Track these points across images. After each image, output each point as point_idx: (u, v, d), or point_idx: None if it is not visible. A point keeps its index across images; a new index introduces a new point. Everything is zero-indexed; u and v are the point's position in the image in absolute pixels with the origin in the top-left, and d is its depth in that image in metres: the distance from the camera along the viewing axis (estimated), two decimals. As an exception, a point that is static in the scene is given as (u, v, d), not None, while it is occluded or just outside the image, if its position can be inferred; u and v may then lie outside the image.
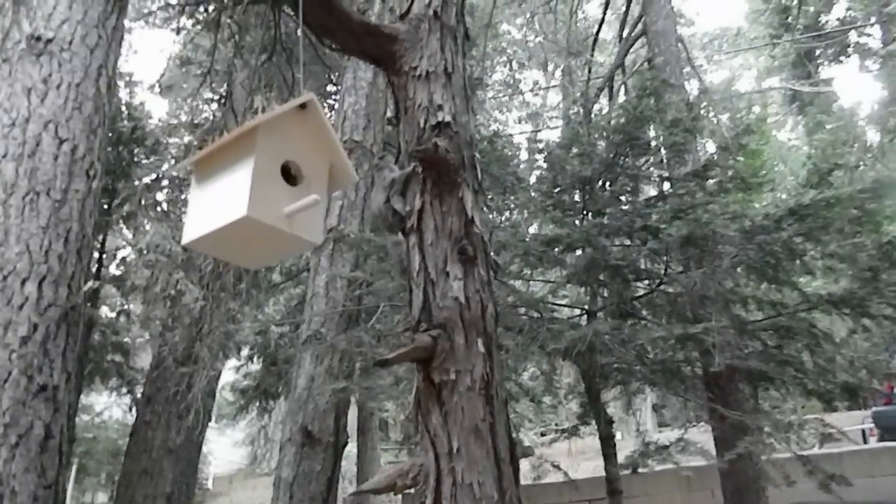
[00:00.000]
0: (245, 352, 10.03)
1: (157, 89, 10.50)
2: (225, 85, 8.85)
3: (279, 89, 7.74)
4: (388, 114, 7.41)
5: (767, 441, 4.58)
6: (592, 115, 7.15)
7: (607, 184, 5.26)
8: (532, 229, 6.87)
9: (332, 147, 1.89)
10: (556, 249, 4.92)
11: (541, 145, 6.28)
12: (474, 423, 1.86)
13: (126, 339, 10.40)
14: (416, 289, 2.07)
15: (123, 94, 10.58)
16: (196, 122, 10.39)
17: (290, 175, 1.81)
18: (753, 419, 4.53)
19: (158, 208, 9.26)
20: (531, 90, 16.40)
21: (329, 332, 5.53)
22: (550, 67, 16.30)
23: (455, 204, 2.11)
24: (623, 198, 5.37)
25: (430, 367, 1.91)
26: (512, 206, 6.15)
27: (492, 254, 2.17)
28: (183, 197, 8.37)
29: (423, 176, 2.13)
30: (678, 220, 4.66)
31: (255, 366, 10.68)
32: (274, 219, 1.72)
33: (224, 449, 18.96)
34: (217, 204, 1.75)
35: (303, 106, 1.84)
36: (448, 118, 2.16)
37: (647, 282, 5.17)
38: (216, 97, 10.01)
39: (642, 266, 5.05)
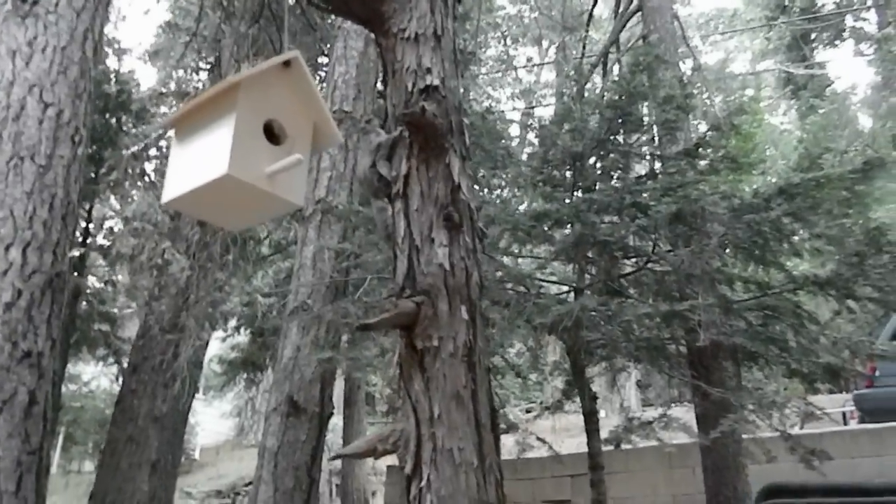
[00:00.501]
0: (232, 323, 10.02)
1: (144, 56, 10.35)
2: (213, 52, 8.72)
3: (268, 57, 7.62)
4: (379, 85, 7.34)
5: (750, 419, 4.61)
6: (586, 92, 7.09)
7: (598, 160, 5.24)
8: (522, 206, 6.85)
9: (317, 107, 1.86)
10: (545, 225, 4.91)
11: (533, 121, 6.23)
12: (456, 390, 1.85)
13: (113, 309, 10.35)
14: (401, 255, 2.04)
15: (111, 60, 10.42)
16: (184, 89, 10.25)
17: (272, 134, 1.78)
18: (737, 397, 4.56)
19: (145, 177, 9.17)
20: (525, 66, 16.32)
21: (316, 303, 5.52)
22: (545, 44, 16.18)
23: (442, 170, 2.08)
24: (614, 174, 5.35)
25: (412, 333, 1.89)
26: (502, 181, 6.13)
27: (478, 222, 2.15)
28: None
29: (410, 140, 2.10)
30: (667, 198, 4.65)
31: (243, 337, 10.67)
32: (255, 178, 1.69)
33: (211, 420, 19.01)
34: (197, 162, 1.72)
35: (286, 64, 1.80)
36: (436, 82, 2.13)
37: (634, 259, 5.18)
38: (205, 65, 9.88)
39: (630, 243, 5.05)
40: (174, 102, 10.12)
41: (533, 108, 15.49)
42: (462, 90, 2.34)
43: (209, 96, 1.73)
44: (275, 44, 7.41)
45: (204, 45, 8.72)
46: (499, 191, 6.29)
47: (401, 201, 2.10)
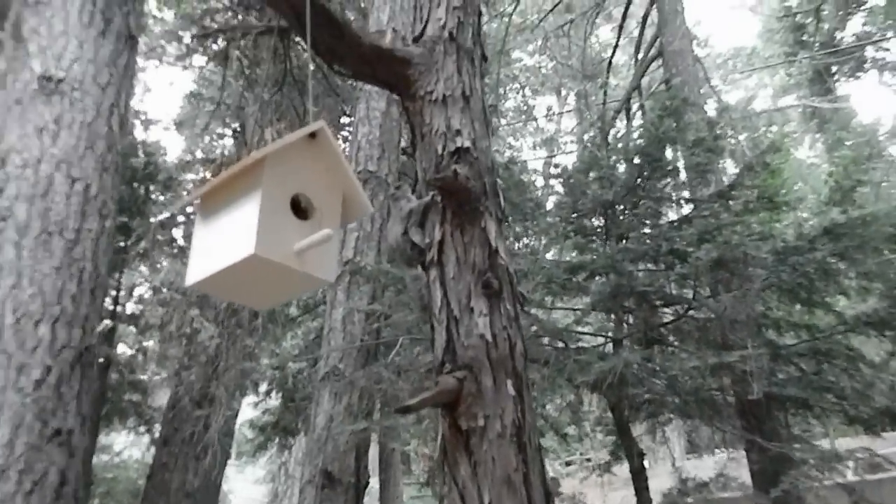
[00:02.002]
0: (263, 387, 9.92)
1: (170, 126, 10.57)
2: (237, 119, 8.86)
3: (291, 122, 7.72)
4: (403, 143, 7.36)
5: (812, 473, 4.37)
6: (610, 139, 7.04)
7: (630, 207, 5.14)
8: (550, 255, 6.75)
9: (345, 177, 1.78)
10: (580, 276, 4.81)
11: (558, 170, 6.18)
12: (506, 474, 1.71)
13: (143, 377, 10.33)
14: (439, 326, 1.94)
15: (138, 132, 10.65)
16: (209, 157, 10.41)
17: (300, 209, 1.69)
18: (798, 450, 4.33)
19: (173, 245, 9.24)
20: (545, 116, 16.39)
21: (347, 367, 5.40)
22: (564, 92, 16.28)
23: (477, 234, 2.00)
24: (646, 221, 5.25)
25: (456, 412, 1.76)
26: (531, 232, 6.05)
27: (518, 286, 2.04)
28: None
29: (443, 205, 2.03)
30: (706, 243, 4.53)
31: (274, 401, 10.55)
32: (284, 256, 1.60)
33: (244, 486, 18.74)
34: (222, 241, 1.64)
35: (313, 135, 1.73)
36: (467, 143, 2.06)
37: (674, 307, 5.04)
38: (229, 132, 10.04)
39: (669, 291, 4.92)
40: (200, 169, 10.27)
41: (554, 156, 15.50)
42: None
43: (233, 173, 1.65)
44: (297, 109, 7.50)
45: (228, 113, 8.88)
46: (527, 240, 6.20)
47: (436, 269, 2.01)
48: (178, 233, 9.57)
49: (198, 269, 1.67)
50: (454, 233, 2.02)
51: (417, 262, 2.10)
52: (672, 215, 5.81)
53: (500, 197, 2.11)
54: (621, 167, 5.45)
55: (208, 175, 9.29)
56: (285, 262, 1.60)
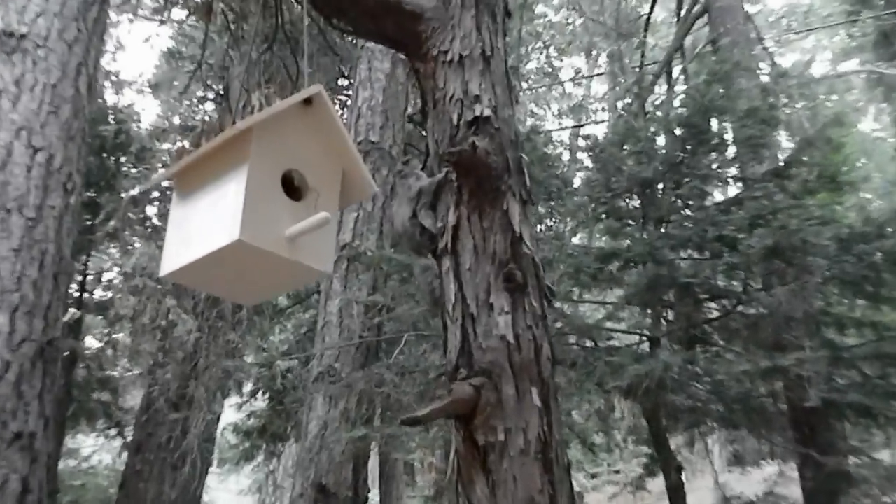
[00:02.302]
0: (248, 387, 9.95)
1: (145, 89, 10.54)
2: (221, 81, 8.82)
3: (282, 84, 7.68)
4: (410, 110, 7.31)
5: (873, 492, 4.34)
6: (647, 106, 6.97)
7: (670, 186, 5.10)
8: (578, 240, 6.72)
9: (345, 151, 1.74)
10: (613, 265, 4.78)
11: (588, 142, 6.13)
12: (529, 496, 1.68)
13: (113, 373, 10.38)
14: (453, 325, 1.91)
15: (109, 95, 10.63)
16: (188, 124, 10.39)
17: (292, 187, 1.66)
18: (857, 466, 4.30)
19: (147, 224, 9.25)
20: (573, 79, 16.24)
21: (344, 367, 5.40)
22: (594, 53, 16.10)
23: (498, 218, 1.96)
24: (690, 202, 5.21)
25: (472, 424, 1.73)
26: (556, 214, 6.01)
27: (545, 279, 2.01)
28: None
29: (458, 184, 1.99)
30: (759, 228, 4.49)
31: (260, 403, 10.58)
32: (273, 243, 1.57)
33: (227, 498, 18.91)
34: (203, 225, 1.61)
35: (307, 101, 1.69)
36: (487, 112, 2.02)
37: (721, 302, 5.00)
38: (211, 95, 10.00)
39: (716, 283, 4.88)
40: (178, 138, 10.25)
41: (583, 125, 15.38)
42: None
43: (215, 146, 1.62)
44: (290, 70, 7.44)
45: (210, 74, 8.83)
46: (551, 223, 6.16)
47: (450, 259, 1.98)
48: (152, 210, 9.59)
49: (174, 257, 1.64)
50: (471, 216, 1.98)
51: (428, 249, 2.07)
52: (719, 196, 5.76)
53: (525, 174, 2.07)
54: (661, 140, 5.40)
55: (187, 145, 9.26)
56: (275, 250, 1.57)
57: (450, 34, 2.12)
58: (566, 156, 9.89)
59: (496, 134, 2.01)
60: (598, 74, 15.83)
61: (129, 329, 8.13)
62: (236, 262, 1.59)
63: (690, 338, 5.09)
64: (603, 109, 16.26)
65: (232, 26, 7.13)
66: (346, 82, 11.20)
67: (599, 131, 17.88)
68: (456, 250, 1.98)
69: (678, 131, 5.23)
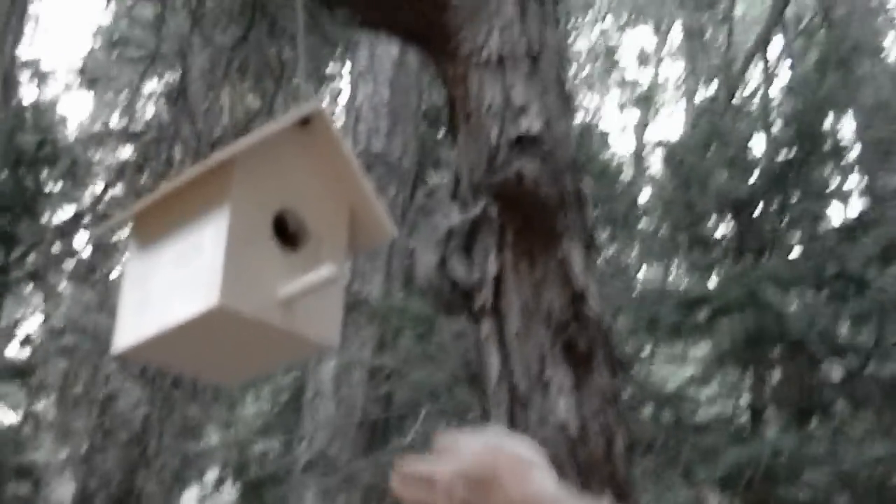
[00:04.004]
0: (212, 474, 9.97)
1: (77, 83, 10.70)
2: (178, 72, 8.92)
3: (257, 77, 7.76)
4: (424, 106, 7.38)
5: None
6: (738, 99, 7.01)
7: (774, 206, 5.14)
8: (649, 277, 6.75)
9: (353, 185, 1.76)
10: (699, 314, 4.80)
11: (659, 147, 6.18)
12: None
13: (36, 459, 10.45)
14: (496, 410, 1.93)
15: (29, 91, 10.80)
16: (134, 129, 10.52)
17: (287, 233, 1.68)
18: None
19: (78, 260, 9.32)
20: (637, 61, 16.26)
21: (342, 452, 5.42)
22: (665, 27, 16.16)
23: (554, 267, 1.99)
24: (799, 227, 5.24)
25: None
26: (618, 243, 6.05)
27: (616, 347, 2.03)
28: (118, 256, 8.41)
29: (501, 223, 2.02)
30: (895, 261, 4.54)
31: (229, 496, 10.60)
32: (263, 308, 1.59)
33: None
34: (170, 286, 1.63)
35: (305, 122, 1.72)
36: (536, 127, 2.05)
37: (846, 360, 5.02)
38: (163, 91, 10.12)
39: (837, 336, 4.90)
40: (119, 147, 10.37)
41: (652, 123, 15.42)
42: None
43: (186, 181, 1.65)
44: (271, 61, 7.52)
45: (164, 65, 8.93)
46: (612, 253, 6.18)
47: (491, 321, 2.00)
48: (83, 239, 9.66)
49: (132, 328, 1.66)
50: (518, 265, 2.00)
51: (461, 308, 2.09)
52: (839, 218, 5.76)
53: (588, 208, 2.10)
54: (759, 143, 5.43)
55: (132, 156, 9.38)
56: (266, 318, 1.59)
57: (486, 26, 2.15)
58: (630, 165, 9.91)
59: (548, 156, 2.03)
60: (671, 55, 15.86)
61: (55, 400, 8.18)
62: (215, 335, 1.61)
63: (804, 409, 5.08)
64: (678, 101, 16.31)
65: (193, 3, 7.25)
66: (338, 67, 11.33)
67: (674, 131, 17.93)
68: (499, 310, 2.00)
69: (781, 132, 5.27)
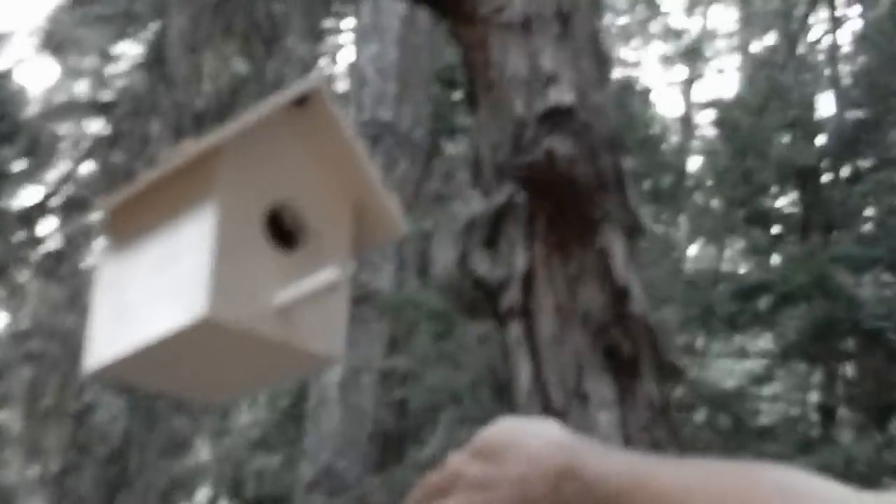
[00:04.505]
0: (204, 494, 10.07)
1: (37, 49, 10.73)
2: (151, 35, 8.94)
3: (244, 39, 7.77)
4: (437, 66, 7.38)
5: None
6: (802, 50, 6.99)
7: (846, 176, 5.14)
8: (702, 262, 6.76)
9: (358, 173, 1.75)
10: (760, 302, 4.81)
11: (710, 108, 6.18)
12: None
13: (2, 479, 10.57)
14: (528, 425, 1.93)
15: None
16: (103, 99, 10.56)
17: (282, 231, 1.68)
18: None
19: (43, 252, 9.37)
20: (684, 8, 16.18)
21: (351, 467, 5.46)
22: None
23: (592, 261, 2.00)
24: (875, 200, 5.23)
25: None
26: (665, 220, 6.05)
27: (666, 351, 2.04)
28: (91, 244, 8.43)
29: (530, 210, 2.02)
30: None
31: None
32: (256, 318, 1.59)
33: None
34: (149, 295, 1.63)
35: (301, 101, 1.72)
36: (569, 99, 2.06)
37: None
38: (138, 56, 10.15)
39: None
40: (86, 121, 10.41)
41: (697, 78, 15.33)
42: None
43: (166, 172, 1.65)
44: (256, 16, 7.52)
45: (137, 26, 8.95)
46: (658, 233, 6.19)
47: (520, 323, 2.02)
48: (50, 227, 9.70)
49: (107, 342, 1.67)
50: (551, 259, 2.02)
51: (485, 310, 2.09)
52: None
53: (630, 190, 2.10)
54: (826, 103, 5.41)
55: (102, 131, 9.42)
56: (259, 329, 1.59)
57: (508, -17, 2.16)
58: (676, 130, 9.87)
59: (583, 132, 2.04)
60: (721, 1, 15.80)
61: (22, 413, 8.26)
62: (202, 349, 1.61)
63: (883, 407, 5.10)
64: (731, 53, 16.22)
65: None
66: (334, 23, 11.34)
67: (727, 89, 17.86)
68: (529, 311, 2.01)
69: (853, 90, 5.25)
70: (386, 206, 1.81)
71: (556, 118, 2.05)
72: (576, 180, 1.99)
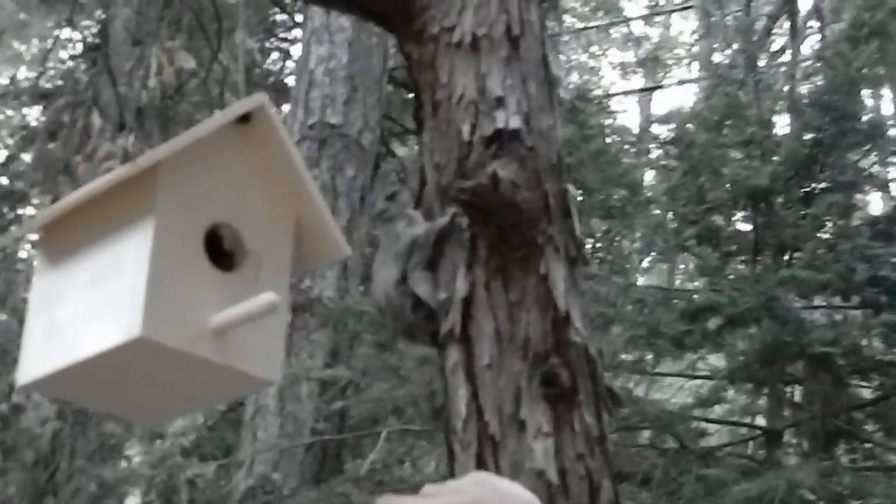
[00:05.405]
0: (134, 501, 9.97)
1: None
2: (96, 25, 8.86)
3: (194, 34, 7.73)
4: (389, 67, 7.37)
5: None
6: (760, 67, 7.05)
7: (797, 198, 5.18)
8: (647, 278, 6.78)
9: (300, 192, 1.78)
10: (708, 323, 4.83)
11: (666, 125, 6.21)
12: None
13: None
14: (463, 453, 1.97)
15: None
16: (44, 87, 10.43)
17: (220, 251, 1.70)
18: None
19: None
20: (642, 17, 16.22)
21: (288, 479, 5.44)
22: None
23: (533, 286, 2.02)
24: (828, 222, 5.27)
25: None
26: (617, 238, 6.07)
27: (604, 380, 2.07)
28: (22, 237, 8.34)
29: (472, 234, 2.04)
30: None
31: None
32: (192, 339, 1.60)
33: None
34: (83, 311, 1.65)
35: (245, 118, 1.74)
36: (515, 122, 2.08)
37: (878, 380, 5.08)
38: (79, 45, 10.05)
39: (868, 351, 4.95)
40: (26, 110, 10.31)
41: (657, 88, 15.41)
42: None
43: (103, 188, 1.66)
44: (203, 7, 7.50)
45: (81, 18, 8.87)
46: (608, 254, 6.21)
47: (459, 349, 2.03)
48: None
49: (39, 358, 1.68)
50: (491, 283, 2.03)
51: (424, 332, 2.11)
52: (874, 211, 5.82)
53: (574, 217, 2.12)
54: (781, 122, 5.46)
55: (41, 120, 9.32)
56: (195, 350, 1.60)
57: (458, 2, 2.17)
58: (631, 140, 9.88)
59: (529, 156, 2.06)
60: (681, 8, 15.85)
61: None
62: (136, 368, 1.62)
63: (830, 433, 5.14)
64: (688, 63, 16.30)
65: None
66: (284, 18, 11.28)
67: (685, 100, 17.89)
68: (468, 336, 2.03)
69: (809, 110, 5.30)
70: (328, 226, 1.84)
71: (502, 141, 2.06)
72: (519, 205, 2.00)
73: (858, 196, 5.79)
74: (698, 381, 5.80)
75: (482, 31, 2.16)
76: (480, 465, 1.93)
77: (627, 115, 14.49)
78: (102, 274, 1.65)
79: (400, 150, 9.58)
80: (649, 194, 5.96)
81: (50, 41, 10.27)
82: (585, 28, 15.81)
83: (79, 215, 1.73)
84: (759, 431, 5.42)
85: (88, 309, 1.65)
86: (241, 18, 5.77)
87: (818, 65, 5.55)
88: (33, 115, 10.24)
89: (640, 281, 6.51)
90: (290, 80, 10.48)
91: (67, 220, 1.74)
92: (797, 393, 5.32)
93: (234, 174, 1.74)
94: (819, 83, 5.33)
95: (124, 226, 1.65)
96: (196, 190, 1.68)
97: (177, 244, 1.63)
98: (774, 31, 8.79)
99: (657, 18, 16.41)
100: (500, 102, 2.10)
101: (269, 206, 1.77)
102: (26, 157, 9.15)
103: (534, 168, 2.06)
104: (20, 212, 8.99)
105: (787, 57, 8.11)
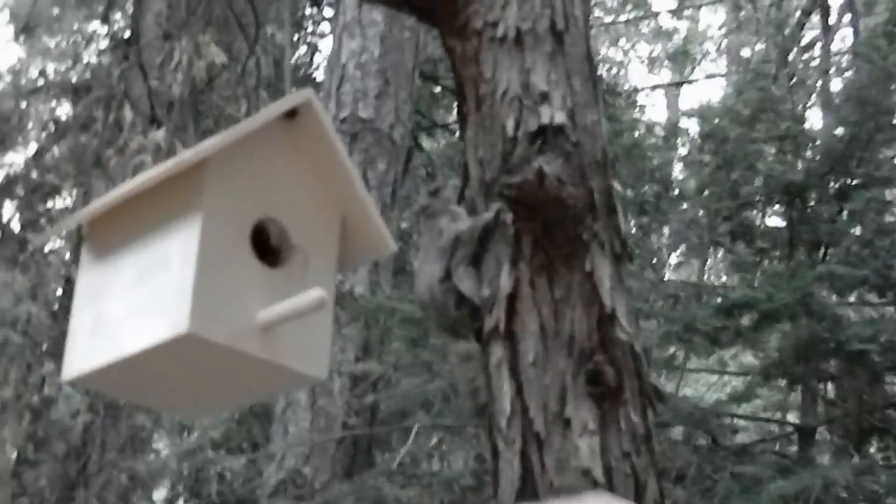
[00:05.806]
0: (163, 493, 10.00)
1: (7, 27, 10.64)
2: (128, 23, 8.88)
3: (224, 28, 7.73)
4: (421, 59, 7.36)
5: None
6: (793, 62, 7.01)
7: (833, 195, 5.14)
8: (679, 274, 6.75)
9: (347, 189, 1.78)
10: (742, 320, 4.81)
11: (696, 118, 6.19)
12: None
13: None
14: (507, 450, 1.95)
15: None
16: (76, 81, 10.46)
17: (267, 247, 1.70)
18: None
19: (5, 236, 9.27)
20: (671, 11, 16.16)
21: (319, 473, 5.45)
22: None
23: (578, 283, 1.99)
24: (863, 219, 5.24)
25: None
26: (648, 235, 6.05)
27: (649, 378, 2.05)
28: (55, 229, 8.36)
29: (516, 230, 2.02)
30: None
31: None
32: (239, 335, 1.61)
33: None
34: (130, 307, 1.65)
35: (290, 114, 1.73)
36: (560, 118, 2.06)
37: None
38: (110, 39, 10.06)
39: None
40: (57, 102, 10.33)
41: (686, 82, 15.37)
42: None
43: (149, 185, 1.66)
44: (236, 13, 7.49)
45: (113, 14, 8.90)
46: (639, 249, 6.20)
47: (503, 346, 2.01)
48: (10, 208, 9.60)
49: (85, 353, 1.68)
50: (536, 280, 2.01)
51: (468, 329, 2.10)
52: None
53: (619, 213, 2.10)
54: (816, 117, 5.42)
55: (70, 114, 9.36)
56: (242, 346, 1.60)
57: (501, -2, 2.16)
58: (660, 132, 9.82)
59: (574, 152, 2.04)
60: (711, 2, 15.79)
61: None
62: (182, 364, 1.63)
63: (863, 430, 5.11)
64: (716, 59, 16.22)
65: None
66: (313, 11, 11.28)
67: (713, 94, 17.83)
68: (512, 333, 2.01)
69: (844, 106, 5.26)
70: (374, 221, 1.84)
71: (547, 137, 2.04)
72: (564, 201, 1.98)
73: (894, 191, 5.71)
74: (727, 378, 5.75)
75: (526, 25, 2.14)
76: (524, 464, 1.92)
77: (655, 109, 14.47)
78: (149, 269, 1.65)
79: (428, 145, 9.57)
80: (677, 191, 5.91)
81: (80, 36, 10.28)
82: (614, 22, 15.77)
83: (125, 210, 1.72)
84: (791, 428, 5.37)
85: (135, 304, 1.64)
86: (284, 18, 5.75)
87: (853, 59, 5.48)
88: (64, 109, 10.25)
89: (670, 277, 6.45)
90: (319, 75, 10.51)
91: (114, 214, 1.74)
92: (831, 390, 5.26)
93: (280, 170, 1.74)
94: (853, 78, 5.25)
95: (171, 221, 1.65)
96: (243, 185, 1.68)
97: (224, 240, 1.63)
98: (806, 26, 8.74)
99: (685, 12, 16.35)
100: (544, 98, 2.08)
101: (315, 202, 1.77)
102: (57, 151, 9.18)
103: (579, 164, 2.04)
104: (50, 205, 9.03)
105: (817, 51, 8.06)
